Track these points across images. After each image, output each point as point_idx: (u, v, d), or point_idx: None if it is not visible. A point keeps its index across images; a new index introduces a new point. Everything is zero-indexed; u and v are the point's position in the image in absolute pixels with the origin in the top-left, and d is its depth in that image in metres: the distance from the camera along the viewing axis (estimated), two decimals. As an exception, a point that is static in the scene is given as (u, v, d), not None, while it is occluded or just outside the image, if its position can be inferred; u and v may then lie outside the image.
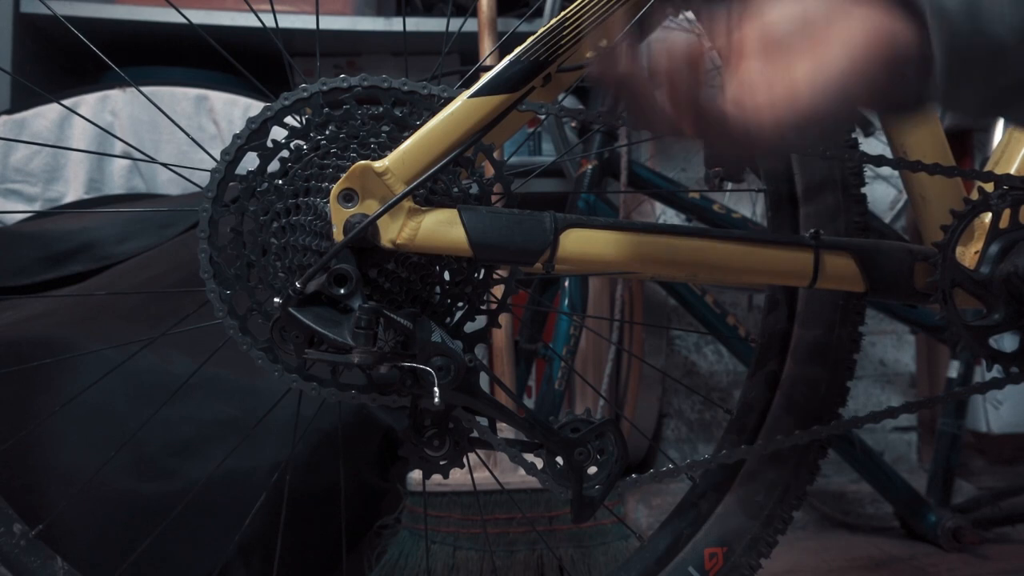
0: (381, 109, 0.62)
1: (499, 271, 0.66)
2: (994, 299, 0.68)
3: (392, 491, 1.12)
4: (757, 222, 1.52)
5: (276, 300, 0.58)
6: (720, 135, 0.50)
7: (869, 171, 1.61)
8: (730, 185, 1.42)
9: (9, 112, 1.42)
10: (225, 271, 0.62)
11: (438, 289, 0.65)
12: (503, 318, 1.07)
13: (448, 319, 0.65)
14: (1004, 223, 0.69)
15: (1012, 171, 0.74)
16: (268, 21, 1.42)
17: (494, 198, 0.64)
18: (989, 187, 0.70)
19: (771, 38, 0.52)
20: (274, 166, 0.62)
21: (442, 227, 0.60)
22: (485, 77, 0.62)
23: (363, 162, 0.59)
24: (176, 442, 0.91)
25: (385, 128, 0.62)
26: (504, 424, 0.67)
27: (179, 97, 1.47)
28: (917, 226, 0.79)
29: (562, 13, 0.63)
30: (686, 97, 0.49)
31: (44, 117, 1.42)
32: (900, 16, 0.51)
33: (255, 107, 1.46)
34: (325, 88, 0.62)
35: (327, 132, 0.62)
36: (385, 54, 1.85)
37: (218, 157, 0.62)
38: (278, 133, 0.62)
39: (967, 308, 0.69)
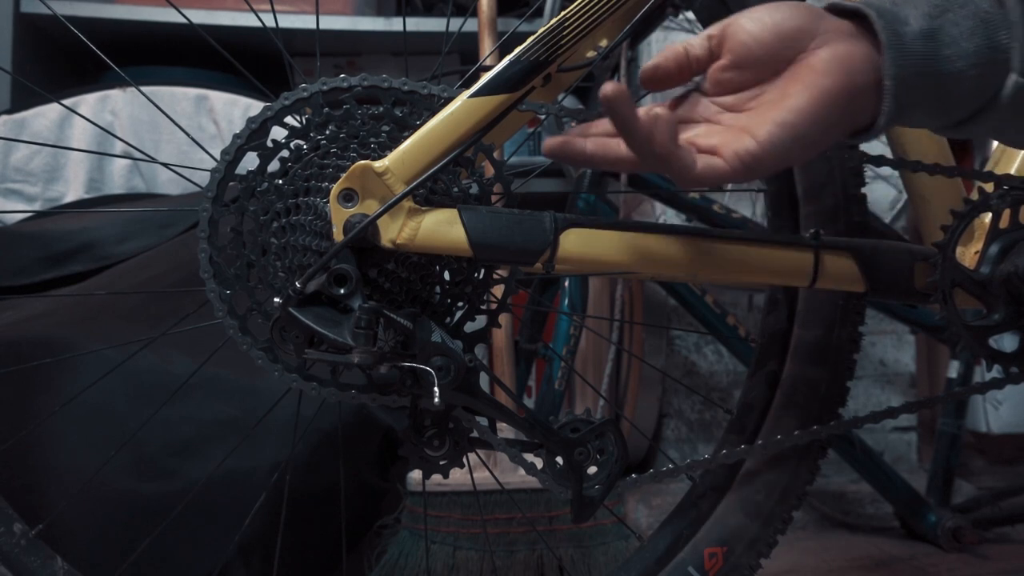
0: (381, 109, 0.62)
1: (499, 271, 0.66)
2: (994, 299, 0.68)
3: (392, 491, 1.12)
4: (757, 222, 1.52)
5: (276, 300, 0.58)
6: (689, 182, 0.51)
7: (869, 171, 1.61)
8: (730, 185, 1.42)
9: (9, 112, 1.42)
10: (225, 271, 0.62)
11: (438, 289, 0.65)
12: (503, 318, 1.07)
13: (448, 319, 0.65)
14: (1004, 223, 0.69)
15: (1012, 171, 0.74)
16: (268, 21, 1.42)
17: (494, 198, 0.64)
18: (989, 187, 0.70)
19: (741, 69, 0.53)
20: (274, 166, 0.62)
21: (442, 227, 0.60)
22: (485, 77, 0.62)
23: (363, 162, 0.59)
24: (176, 442, 0.91)
25: (385, 128, 0.62)
26: (504, 424, 0.67)
27: (179, 97, 1.47)
28: (917, 226, 0.80)
29: (562, 13, 0.63)
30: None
31: (44, 117, 1.42)
32: (861, 44, 0.51)
33: (255, 107, 1.46)
34: (325, 88, 0.62)
35: (327, 132, 0.61)
36: (385, 54, 1.85)
37: (218, 157, 0.62)
38: (278, 133, 0.62)
39: (967, 308, 0.69)
